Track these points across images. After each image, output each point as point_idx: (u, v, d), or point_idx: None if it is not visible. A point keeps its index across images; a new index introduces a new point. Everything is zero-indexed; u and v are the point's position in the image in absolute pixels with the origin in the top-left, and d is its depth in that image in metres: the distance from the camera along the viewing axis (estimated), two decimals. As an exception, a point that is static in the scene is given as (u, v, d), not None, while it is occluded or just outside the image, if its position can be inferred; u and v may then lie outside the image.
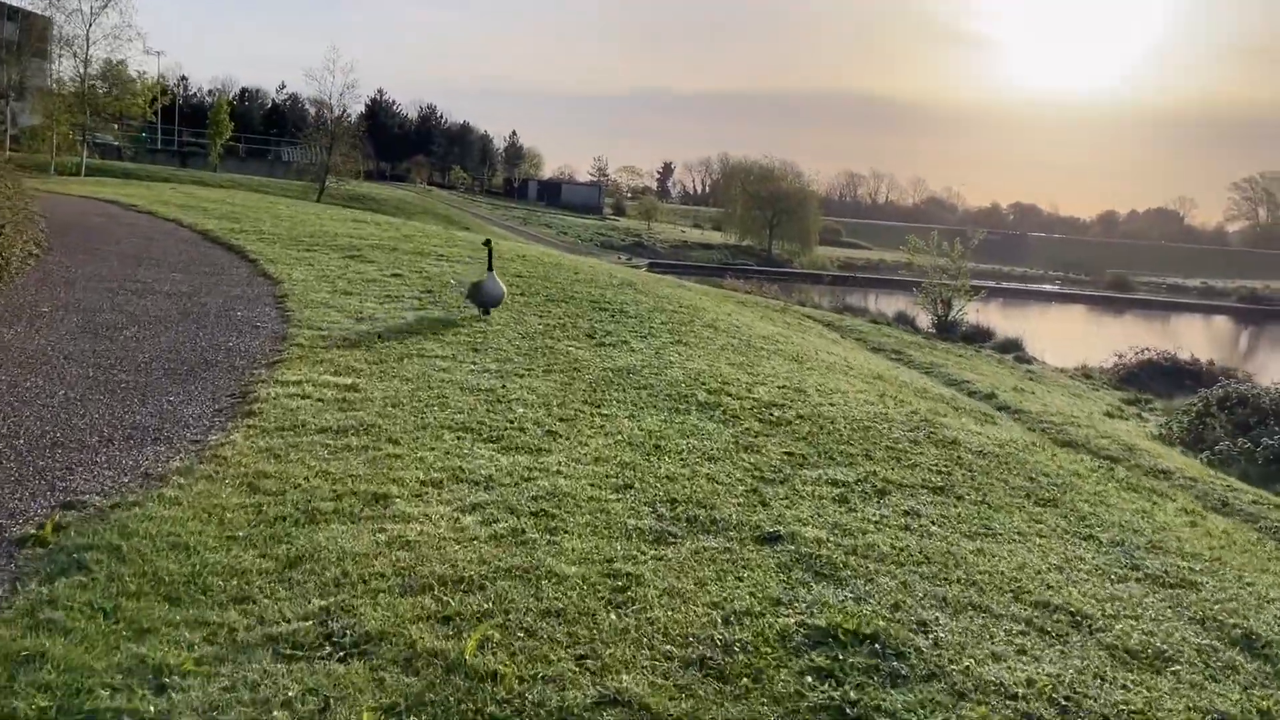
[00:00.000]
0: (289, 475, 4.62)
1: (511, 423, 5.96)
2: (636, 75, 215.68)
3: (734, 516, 4.60)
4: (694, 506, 4.69)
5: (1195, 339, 49.77)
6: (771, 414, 6.90)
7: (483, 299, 9.90)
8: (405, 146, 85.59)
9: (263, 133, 74.06)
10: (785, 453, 5.94)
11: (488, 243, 10.70)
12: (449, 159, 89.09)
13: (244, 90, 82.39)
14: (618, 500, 4.67)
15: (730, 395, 7.41)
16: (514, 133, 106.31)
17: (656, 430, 6.11)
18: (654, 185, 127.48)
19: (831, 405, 7.60)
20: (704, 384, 7.73)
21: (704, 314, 12.86)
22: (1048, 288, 71.25)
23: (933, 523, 4.93)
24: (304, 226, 17.43)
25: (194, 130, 64.79)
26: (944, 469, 6.12)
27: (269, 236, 15.36)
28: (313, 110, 58.28)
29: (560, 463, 5.22)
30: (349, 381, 6.60)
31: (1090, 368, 24.16)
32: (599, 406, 6.61)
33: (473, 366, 7.42)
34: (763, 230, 76.24)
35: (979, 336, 29.04)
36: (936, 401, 10.49)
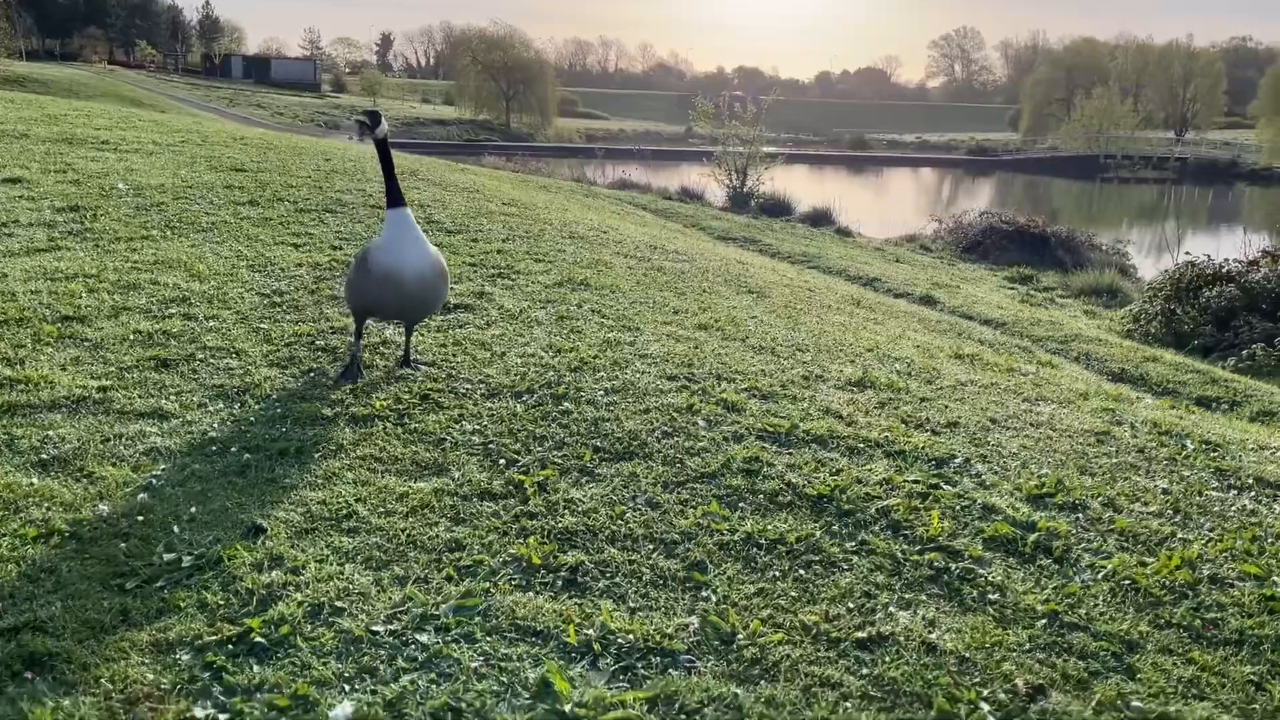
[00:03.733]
0: None
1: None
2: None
3: None
4: None
5: (933, 190, 49.84)
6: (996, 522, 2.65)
7: (375, 299, 3.46)
8: (74, 19, 71.27)
9: (-111, 9, 58.76)
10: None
11: (369, 125, 3.40)
12: (131, 33, 74.91)
13: None
14: None
15: (824, 439, 3.09)
16: (207, 2, 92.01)
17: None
18: (374, 59, 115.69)
19: (1007, 428, 3.46)
20: (721, 397, 3.36)
21: (536, 211, 8.28)
22: (771, 148, 69.88)
23: None
24: None
25: None
26: None
27: None
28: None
29: None
30: None
31: (922, 237, 21.51)
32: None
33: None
34: (499, 103, 70.56)
35: (778, 209, 25.93)
36: (982, 345, 6.61)
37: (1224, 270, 10.85)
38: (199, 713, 1.67)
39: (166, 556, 2.16)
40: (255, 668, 1.81)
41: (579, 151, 41.04)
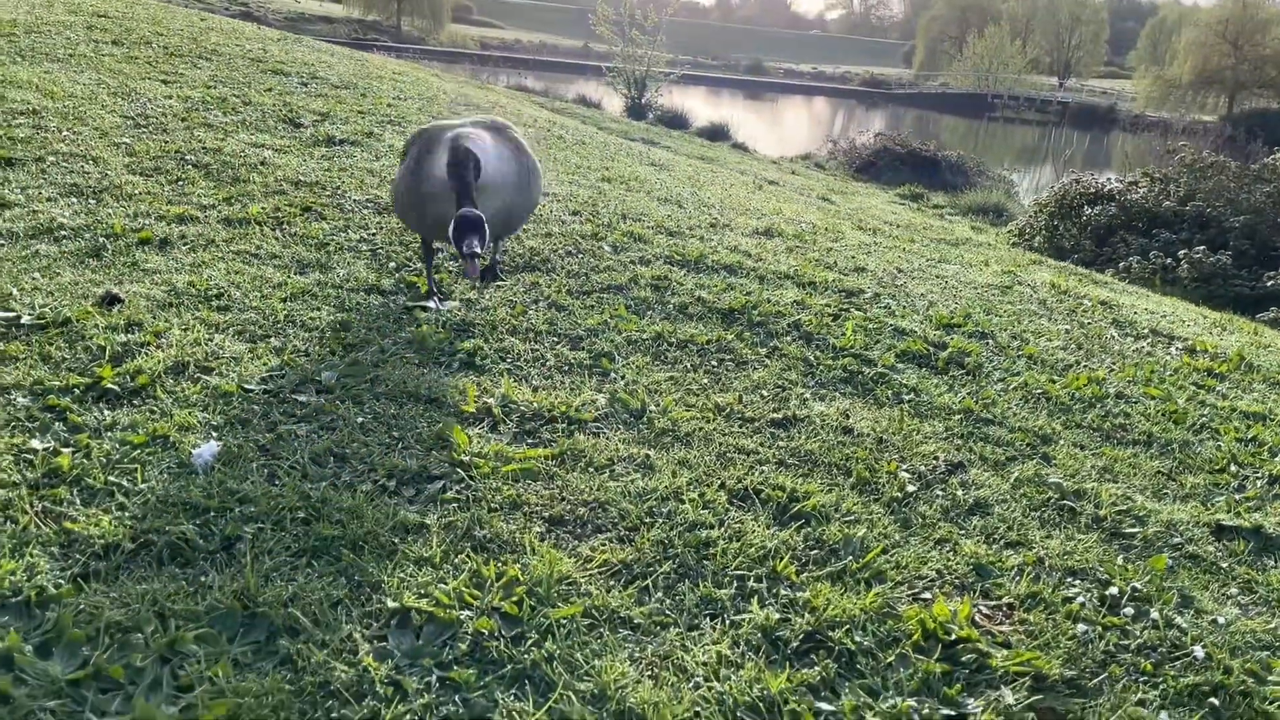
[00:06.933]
0: None
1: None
2: None
3: None
4: None
5: (827, 119, 50.18)
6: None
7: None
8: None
9: None
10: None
11: None
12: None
13: None
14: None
15: (734, 268, 2.96)
16: None
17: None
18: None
19: (913, 277, 3.41)
20: (628, 230, 3.19)
21: (429, 82, 7.85)
22: (669, 69, 69.27)
23: None
24: None
25: None
26: None
27: None
28: None
29: None
30: None
31: (816, 156, 21.61)
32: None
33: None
34: (390, 4, 67.70)
35: (676, 121, 25.74)
36: (881, 229, 6.61)
37: (1106, 190, 11.16)
38: (37, 444, 1.45)
39: (2, 314, 1.90)
40: (106, 412, 1.59)
41: (473, 58, 39.72)
